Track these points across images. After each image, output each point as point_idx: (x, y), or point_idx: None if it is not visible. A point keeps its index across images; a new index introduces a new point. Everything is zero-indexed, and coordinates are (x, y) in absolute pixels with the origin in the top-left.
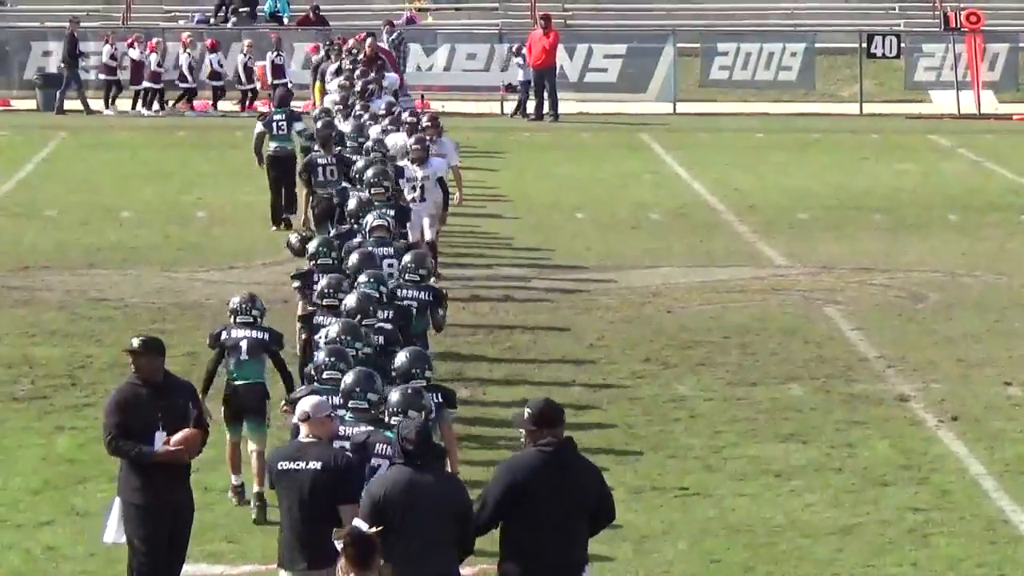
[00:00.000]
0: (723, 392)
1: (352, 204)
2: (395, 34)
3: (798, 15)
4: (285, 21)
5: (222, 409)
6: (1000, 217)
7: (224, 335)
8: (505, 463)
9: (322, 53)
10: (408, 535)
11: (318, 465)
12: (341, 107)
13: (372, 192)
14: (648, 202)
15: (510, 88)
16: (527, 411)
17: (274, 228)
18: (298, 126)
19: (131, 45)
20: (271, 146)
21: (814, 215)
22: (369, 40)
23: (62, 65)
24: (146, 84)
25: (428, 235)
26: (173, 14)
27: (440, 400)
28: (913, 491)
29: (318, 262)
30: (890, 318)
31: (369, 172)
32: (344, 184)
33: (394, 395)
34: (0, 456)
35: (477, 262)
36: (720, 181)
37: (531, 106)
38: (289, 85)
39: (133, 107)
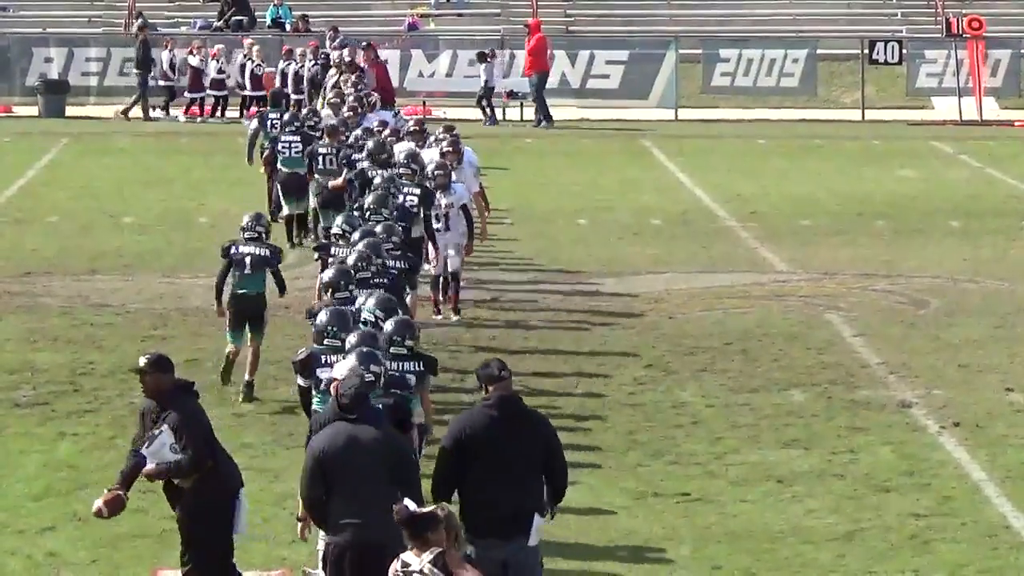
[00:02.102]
0: (725, 398)
1: (378, 181)
2: (337, 40)
3: (800, 21)
4: (287, 28)
5: (228, 316)
6: (1002, 223)
7: (233, 250)
8: (452, 420)
9: (319, 64)
10: (349, 486)
11: None
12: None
13: (400, 172)
14: (650, 208)
15: (511, 95)
16: (479, 371)
17: (272, 220)
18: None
19: (191, 52)
20: (265, 144)
21: (816, 221)
22: (361, 53)
23: (136, 71)
24: (210, 92)
25: (452, 266)
26: (175, 20)
27: (422, 368)
28: (915, 497)
29: (332, 231)
30: (892, 324)
31: (401, 155)
32: (363, 165)
33: (352, 337)
34: (2, 462)
35: (478, 269)
36: (722, 187)
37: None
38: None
39: (186, 113)
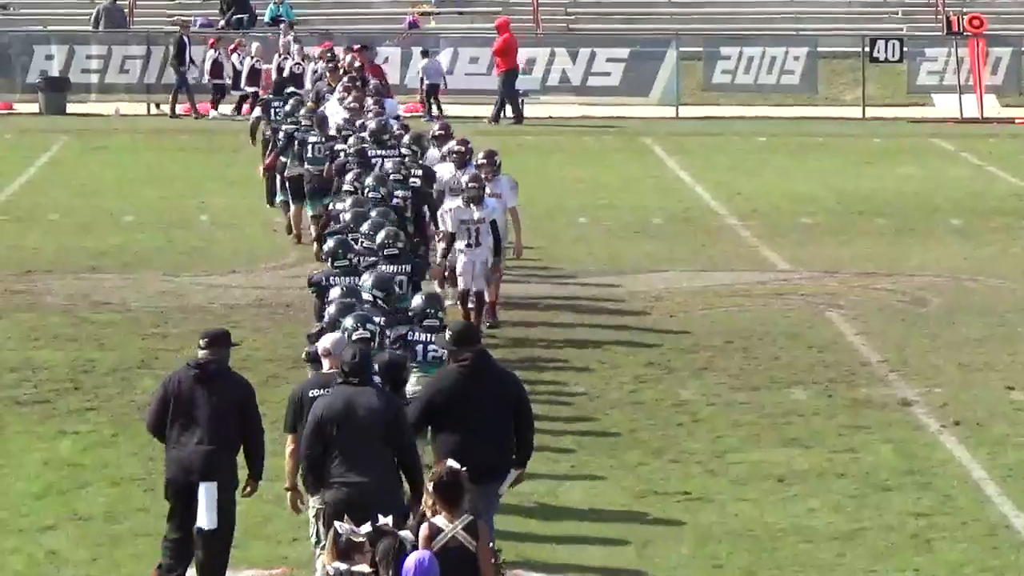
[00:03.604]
0: (726, 397)
1: (389, 167)
2: (291, 35)
3: (801, 19)
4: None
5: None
6: (1003, 221)
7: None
8: (429, 379)
9: (319, 70)
10: (345, 447)
11: None
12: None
13: (404, 153)
14: (651, 206)
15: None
16: (447, 333)
17: (269, 206)
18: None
19: (234, 51)
20: (267, 132)
21: (817, 219)
22: (349, 56)
23: (171, 68)
24: (246, 88)
25: (478, 285)
26: (177, 18)
27: None
28: (916, 496)
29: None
30: (893, 322)
31: (406, 137)
32: (363, 146)
33: (348, 320)
34: (3, 460)
35: None
36: (723, 185)
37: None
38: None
39: (238, 111)
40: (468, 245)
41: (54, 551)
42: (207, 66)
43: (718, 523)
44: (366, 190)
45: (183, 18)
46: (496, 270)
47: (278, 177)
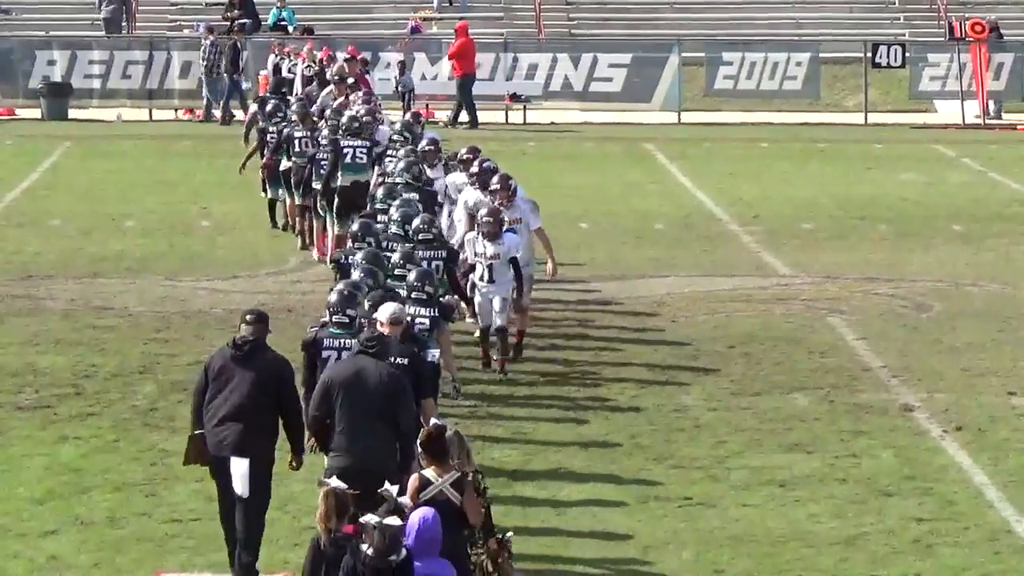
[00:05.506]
0: (727, 402)
1: (402, 153)
2: (210, 39)
3: (803, 25)
4: (290, 31)
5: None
6: (1004, 227)
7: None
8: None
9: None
10: (348, 413)
11: (404, 361)
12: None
13: (395, 139)
14: (652, 212)
15: (514, 98)
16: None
17: (263, 194)
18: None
19: (285, 55)
20: (270, 130)
21: (819, 225)
22: (339, 63)
23: (224, 74)
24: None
25: (498, 321)
26: (178, 23)
27: (436, 314)
28: (917, 501)
29: (376, 206)
30: (894, 328)
31: (397, 124)
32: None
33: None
34: (4, 465)
35: None
36: (724, 191)
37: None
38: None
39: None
40: (482, 279)
41: (56, 556)
42: (269, 72)
43: (720, 528)
44: (404, 183)
45: (240, 22)
46: (518, 307)
47: (266, 172)
